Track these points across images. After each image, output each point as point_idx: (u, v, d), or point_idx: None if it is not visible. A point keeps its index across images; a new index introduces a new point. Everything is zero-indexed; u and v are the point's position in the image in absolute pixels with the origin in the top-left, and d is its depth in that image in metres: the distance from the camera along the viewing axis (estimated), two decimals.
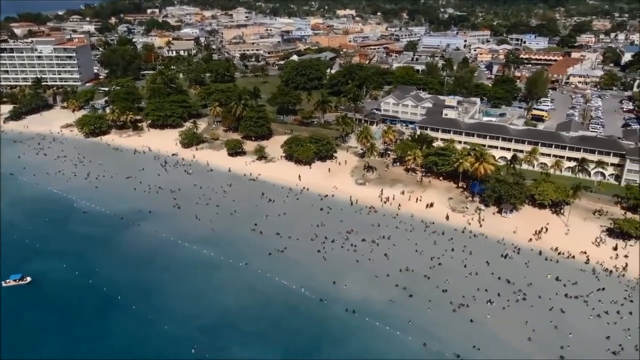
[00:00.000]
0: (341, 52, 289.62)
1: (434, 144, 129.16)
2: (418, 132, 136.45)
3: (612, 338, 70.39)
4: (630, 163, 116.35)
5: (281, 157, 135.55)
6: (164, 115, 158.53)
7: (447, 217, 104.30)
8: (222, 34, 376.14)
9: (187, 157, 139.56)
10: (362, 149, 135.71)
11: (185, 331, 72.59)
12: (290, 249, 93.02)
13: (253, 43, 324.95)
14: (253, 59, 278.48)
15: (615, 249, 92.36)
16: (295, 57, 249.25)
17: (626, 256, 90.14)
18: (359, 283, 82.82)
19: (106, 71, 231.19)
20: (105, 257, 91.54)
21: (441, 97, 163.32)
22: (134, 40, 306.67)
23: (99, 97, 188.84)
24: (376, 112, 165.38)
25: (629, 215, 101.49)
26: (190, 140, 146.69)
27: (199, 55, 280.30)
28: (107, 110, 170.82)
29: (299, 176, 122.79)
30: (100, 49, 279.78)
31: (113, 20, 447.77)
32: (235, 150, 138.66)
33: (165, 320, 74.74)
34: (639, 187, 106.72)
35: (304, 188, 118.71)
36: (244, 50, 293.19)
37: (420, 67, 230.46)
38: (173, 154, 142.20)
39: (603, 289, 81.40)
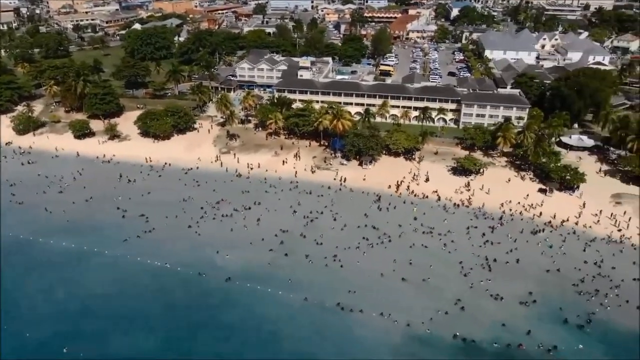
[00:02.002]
0: (188, 19, 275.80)
1: (293, 106, 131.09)
2: (276, 95, 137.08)
3: (465, 262, 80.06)
4: (465, 107, 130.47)
5: (137, 134, 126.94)
6: None
7: (309, 175, 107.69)
8: (47, 3, 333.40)
9: (24, 145, 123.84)
10: (222, 117, 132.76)
11: (52, 332, 66.24)
12: (159, 229, 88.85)
13: (87, 12, 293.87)
14: (89, 30, 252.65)
15: (468, 185, 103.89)
16: (137, 26, 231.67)
17: (468, 190, 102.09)
18: (236, 251, 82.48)
19: None
20: None
21: (295, 59, 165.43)
22: None
23: None
24: (232, 78, 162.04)
25: (470, 154, 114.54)
26: (26, 126, 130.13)
27: (22, 29, 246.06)
28: None
29: (147, 158, 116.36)
30: None
31: None
32: (82, 132, 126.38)
33: (25, 326, 67.27)
34: (473, 129, 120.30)
35: (165, 164, 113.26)
36: (77, 21, 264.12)
37: (271, 30, 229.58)
38: (7, 143, 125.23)
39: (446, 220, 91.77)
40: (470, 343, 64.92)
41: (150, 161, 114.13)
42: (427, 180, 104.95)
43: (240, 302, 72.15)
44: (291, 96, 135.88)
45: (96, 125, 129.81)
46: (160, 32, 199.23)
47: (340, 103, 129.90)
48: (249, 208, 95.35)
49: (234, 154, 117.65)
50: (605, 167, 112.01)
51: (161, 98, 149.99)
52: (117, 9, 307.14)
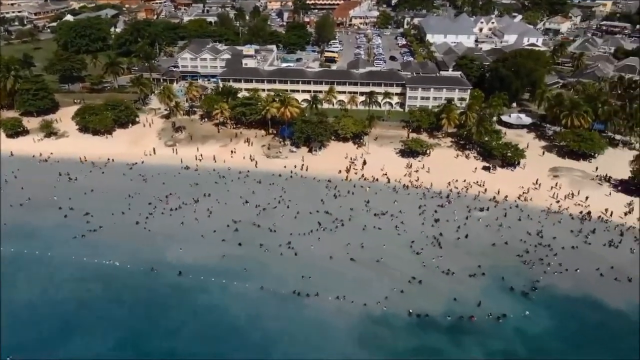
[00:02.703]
0: (124, 9, 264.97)
1: (239, 95, 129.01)
2: (221, 84, 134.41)
3: (416, 241, 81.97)
4: (410, 91, 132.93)
5: (76, 130, 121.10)
6: None
7: (259, 164, 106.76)
8: None
9: None
10: (166, 110, 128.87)
11: None
12: (105, 227, 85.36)
13: (12, 4, 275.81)
14: (17, 23, 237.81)
15: (411, 166, 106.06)
16: (69, 17, 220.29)
17: (417, 171, 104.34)
18: (188, 245, 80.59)
19: None
20: None
21: (238, 48, 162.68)
22: None
23: None
24: (174, 69, 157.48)
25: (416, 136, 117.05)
26: None
27: None
28: None
29: (82, 158, 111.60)
30: None
31: None
32: (14, 131, 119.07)
33: None
34: (419, 111, 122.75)
35: (108, 159, 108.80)
36: (2, 13, 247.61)
37: (212, 19, 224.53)
38: None
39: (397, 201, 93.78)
40: (425, 318, 66.73)
41: (85, 160, 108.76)
42: (378, 165, 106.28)
43: (194, 296, 70.67)
44: (236, 85, 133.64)
45: (31, 122, 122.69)
46: (94, 23, 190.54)
47: (286, 91, 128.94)
48: (199, 200, 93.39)
49: (174, 149, 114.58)
50: (542, 143, 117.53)
51: (99, 92, 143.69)
52: (46, 0, 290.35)
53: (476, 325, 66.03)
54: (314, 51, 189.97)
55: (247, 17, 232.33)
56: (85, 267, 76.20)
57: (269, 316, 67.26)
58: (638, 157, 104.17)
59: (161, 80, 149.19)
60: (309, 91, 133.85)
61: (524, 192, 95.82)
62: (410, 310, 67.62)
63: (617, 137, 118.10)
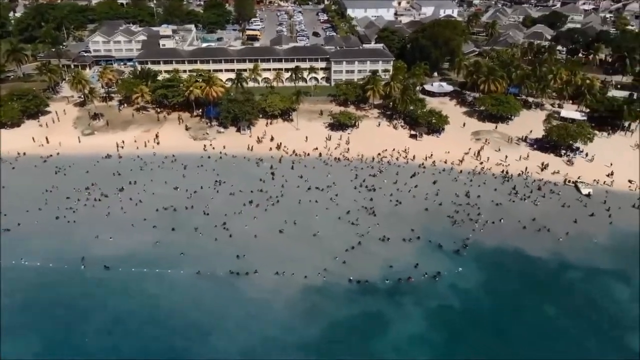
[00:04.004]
0: None
1: (159, 77, 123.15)
2: (139, 67, 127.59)
3: (351, 211, 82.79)
4: (335, 65, 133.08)
5: None
6: None
7: (186, 147, 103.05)
8: None
9: None
10: (80, 97, 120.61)
11: None
12: (22, 226, 78.72)
13: None
14: None
15: (341, 138, 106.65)
16: None
17: (347, 143, 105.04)
18: (117, 236, 76.29)
19: None
20: None
21: (154, 28, 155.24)
22: None
23: None
24: (86, 54, 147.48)
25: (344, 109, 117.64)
26: None
27: None
28: None
29: None
30: None
31: None
32: None
33: None
34: (345, 85, 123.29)
35: (19, 154, 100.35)
36: None
37: (124, 0, 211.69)
38: None
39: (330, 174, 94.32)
40: (365, 284, 67.93)
41: (9, 150, 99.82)
42: (309, 139, 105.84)
43: (126, 289, 67.01)
44: (155, 67, 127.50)
45: None
46: None
47: (209, 71, 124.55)
48: (124, 189, 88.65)
49: (93, 138, 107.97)
50: (464, 109, 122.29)
51: (2, 82, 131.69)
52: None
53: (414, 286, 68.13)
54: (235, 30, 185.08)
55: None
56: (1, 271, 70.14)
57: (208, 300, 65.59)
58: (549, 117, 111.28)
59: (72, 67, 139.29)
60: (232, 70, 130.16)
61: (450, 156, 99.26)
62: (350, 278, 68.55)
63: (530, 99, 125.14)
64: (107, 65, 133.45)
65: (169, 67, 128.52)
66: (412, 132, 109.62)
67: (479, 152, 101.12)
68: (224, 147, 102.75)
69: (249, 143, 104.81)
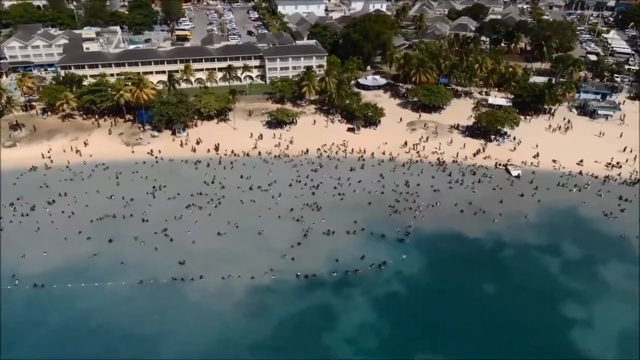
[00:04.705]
0: None
1: (85, 82, 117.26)
2: (62, 73, 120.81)
3: (295, 208, 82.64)
4: (269, 62, 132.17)
5: None
6: None
7: (119, 154, 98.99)
8: None
9: None
10: None
11: None
12: None
13: None
14: None
15: (281, 136, 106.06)
16: None
17: (286, 140, 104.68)
18: (49, 252, 71.91)
19: None
20: None
21: (76, 31, 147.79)
22: None
23: None
24: (1, 60, 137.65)
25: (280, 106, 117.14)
26: None
27: None
28: None
29: None
30: None
31: None
32: None
33: None
34: (280, 82, 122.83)
35: None
36: None
37: (40, 3, 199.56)
38: None
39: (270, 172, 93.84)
40: (313, 278, 68.18)
41: None
42: (248, 139, 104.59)
43: (63, 306, 63.60)
44: (79, 72, 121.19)
45: None
46: None
47: (138, 73, 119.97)
48: (54, 202, 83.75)
49: (15, 150, 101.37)
50: (398, 100, 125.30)
51: None
52: None
53: (361, 277, 69.13)
54: (163, 30, 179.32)
55: None
56: None
57: (154, 309, 63.41)
58: (478, 104, 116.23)
59: None
60: (163, 72, 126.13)
61: (388, 147, 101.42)
62: (298, 274, 68.54)
63: (459, 88, 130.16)
64: (25, 72, 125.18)
65: (95, 72, 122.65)
66: (350, 126, 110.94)
67: (419, 142, 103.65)
68: (160, 151, 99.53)
69: (185, 145, 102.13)
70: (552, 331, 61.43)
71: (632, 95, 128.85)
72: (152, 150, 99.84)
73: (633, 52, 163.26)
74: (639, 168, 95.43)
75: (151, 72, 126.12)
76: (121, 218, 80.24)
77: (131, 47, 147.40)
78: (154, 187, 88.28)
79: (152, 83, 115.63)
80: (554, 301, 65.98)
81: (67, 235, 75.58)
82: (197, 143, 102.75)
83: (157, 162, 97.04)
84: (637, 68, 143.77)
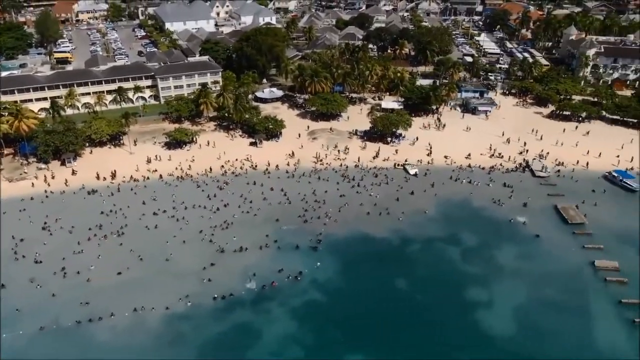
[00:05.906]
0: None
1: None
2: None
3: (204, 229, 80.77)
4: (161, 81, 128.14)
5: None
6: None
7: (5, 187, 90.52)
8: None
9: None
10: None
11: None
12: None
13: None
14: None
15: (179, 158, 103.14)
16: None
17: (187, 160, 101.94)
18: None
19: None
20: None
21: None
22: None
23: None
24: None
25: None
26: None
27: None
28: None
29: None
30: None
31: None
32: None
33: None
34: (175, 101, 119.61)
35: None
36: None
37: None
38: None
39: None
40: (230, 298, 67.12)
41: None
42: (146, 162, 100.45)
43: None
44: None
45: None
46: None
47: (15, 102, 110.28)
48: None
49: None
50: (297, 111, 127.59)
51: None
52: None
53: (278, 289, 69.34)
54: (40, 54, 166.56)
55: None
56: None
57: (60, 357, 58.46)
58: (372, 109, 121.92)
59: None
60: (45, 98, 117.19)
61: (293, 159, 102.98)
62: (215, 296, 67.13)
63: (354, 95, 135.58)
64: None
65: None
66: (252, 140, 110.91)
67: (321, 151, 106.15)
68: (49, 185, 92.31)
69: (77, 175, 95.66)
70: (459, 313, 66.04)
71: (505, 92, 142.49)
72: (39, 184, 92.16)
73: (502, 52, 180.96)
74: (518, 156, 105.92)
75: (30, 100, 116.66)
76: (13, 261, 73.18)
77: (4, 73, 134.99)
78: (45, 223, 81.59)
79: (33, 112, 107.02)
80: (458, 287, 71.01)
81: None
82: (93, 172, 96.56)
83: (47, 196, 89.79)
84: (507, 67, 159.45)
